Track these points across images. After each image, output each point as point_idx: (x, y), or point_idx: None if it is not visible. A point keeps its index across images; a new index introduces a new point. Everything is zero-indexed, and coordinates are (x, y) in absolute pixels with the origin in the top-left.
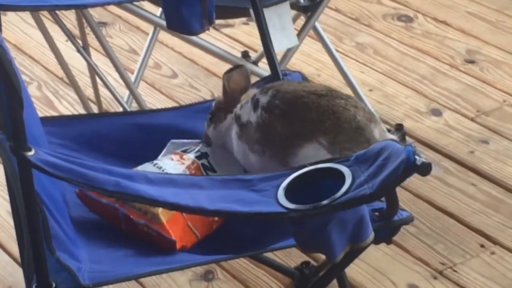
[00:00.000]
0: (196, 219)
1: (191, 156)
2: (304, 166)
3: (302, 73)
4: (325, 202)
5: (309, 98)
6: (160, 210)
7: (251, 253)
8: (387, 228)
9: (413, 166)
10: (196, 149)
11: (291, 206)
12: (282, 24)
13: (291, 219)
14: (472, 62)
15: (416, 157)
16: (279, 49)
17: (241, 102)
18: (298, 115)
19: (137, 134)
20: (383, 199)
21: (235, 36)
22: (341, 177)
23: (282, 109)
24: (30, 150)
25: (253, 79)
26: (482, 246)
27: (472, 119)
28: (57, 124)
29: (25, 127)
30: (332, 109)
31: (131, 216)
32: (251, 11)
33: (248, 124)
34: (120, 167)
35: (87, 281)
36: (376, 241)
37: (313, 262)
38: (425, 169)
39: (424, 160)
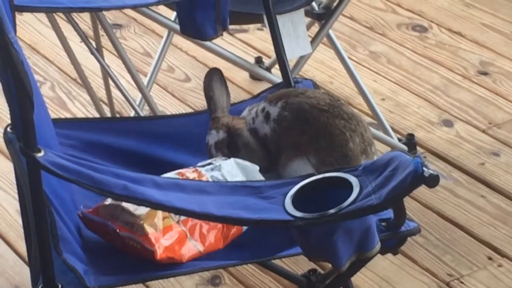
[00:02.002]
0: (200, 234)
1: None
2: (313, 175)
3: (314, 81)
4: (332, 211)
5: (311, 112)
6: (145, 222)
7: (259, 259)
8: (394, 238)
9: (421, 178)
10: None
11: (298, 214)
12: (296, 32)
13: (297, 227)
14: (485, 73)
15: (424, 168)
16: (292, 57)
17: (249, 114)
18: (299, 128)
19: (148, 140)
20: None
21: (249, 41)
22: (348, 186)
23: (289, 121)
24: (39, 151)
25: (266, 85)
26: (489, 258)
27: (483, 131)
28: (69, 126)
29: (36, 128)
30: (329, 130)
31: (117, 230)
32: (265, 17)
33: (264, 136)
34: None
35: (93, 283)
36: (382, 251)
37: (320, 270)
38: (433, 181)
39: (432, 172)
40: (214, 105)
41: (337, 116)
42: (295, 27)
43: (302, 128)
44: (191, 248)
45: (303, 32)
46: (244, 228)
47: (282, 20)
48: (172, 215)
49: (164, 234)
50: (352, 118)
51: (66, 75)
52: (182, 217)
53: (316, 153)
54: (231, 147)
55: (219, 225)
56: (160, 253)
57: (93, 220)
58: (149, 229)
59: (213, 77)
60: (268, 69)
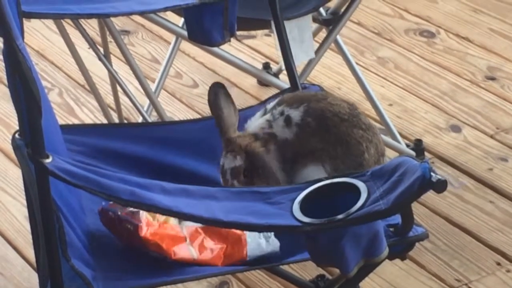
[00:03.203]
0: (200, 244)
1: None
2: (320, 180)
3: (322, 87)
4: (340, 216)
5: (333, 120)
6: (148, 212)
7: (267, 265)
8: (402, 244)
9: (429, 183)
10: None
11: (306, 220)
12: (302, 37)
13: (305, 232)
14: (492, 79)
15: (432, 174)
16: (295, 62)
17: (263, 118)
18: (319, 135)
19: (155, 147)
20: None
21: (257, 47)
22: (356, 192)
23: (312, 127)
24: (47, 157)
25: (273, 91)
26: (498, 264)
27: (491, 136)
28: (77, 132)
29: (44, 134)
30: (346, 139)
31: (119, 213)
32: (272, 23)
33: (285, 141)
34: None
35: None
36: (390, 257)
37: (328, 276)
38: (440, 186)
39: (440, 177)
40: (225, 125)
41: (356, 126)
42: (301, 33)
43: (322, 135)
44: (185, 250)
45: (309, 37)
46: (249, 256)
47: (289, 26)
48: (176, 219)
49: (160, 226)
50: (370, 129)
51: (74, 82)
52: (188, 224)
53: (332, 160)
54: (248, 173)
55: (224, 245)
56: (146, 231)
57: (106, 210)
58: (147, 216)
59: (218, 94)
60: (276, 75)
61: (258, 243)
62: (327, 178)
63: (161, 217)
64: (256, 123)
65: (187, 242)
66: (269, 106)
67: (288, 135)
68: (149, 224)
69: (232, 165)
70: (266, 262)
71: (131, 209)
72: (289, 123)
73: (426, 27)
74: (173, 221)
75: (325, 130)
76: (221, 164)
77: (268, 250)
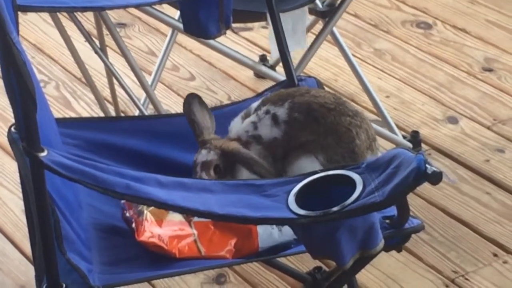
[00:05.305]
0: (209, 240)
1: None
2: (316, 172)
3: (318, 79)
4: (335, 208)
5: (320, 112)
6: (151, 211)
7: (264, 258)
8: (398, 236)
9: (424, 175)
10: None
11: (301, 212)
12: (295, 29)
13: (301, 225)
14: (490, 70)
15: (427, 165)
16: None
17: (247, 120)
18: (308, 128)
19: (152, 140)
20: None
21: (254, 39)
22: (352, 184)
23: (300, 122)
24: (42, 151)
25: (270, 83)
26: (495, 255)
27: (488, 128)
28: (72, 125)
29: (39, 128)
30: (336, 128)
31: (127, 214)
32: (268, 15)
33: (273, 140)
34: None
35: (98, 282)
36: (386, 249)
37: (325, 267)
38: (435, 178)
39: (435, 169)
40: (199, 128)
41: (343, 114)
42: (294, 24)
43: (311, 127)
44: (191, 247)
45: (302, 28)
46: (261, 247)
47: (284, 18)
48: (184, 216)
49: (163, 225)
50: (357, 115)
51: (70, 75)
52: (197, 219)
53: (324, 150)
54: (220, 170)
55: (234, 239)
56: (145, 236)
57: (122, 208)
58: (148, 217)
59: (192, 101)
60: (273, 67)
61: (269, 233)
62: (322, 171)
63: (167, 216)
64: (240, 126)
65: (195, 239)
66: (253, 105)
67: (277, 134)
68: (150, 226)
69: (204, 159)
70: (279, 252)
71: (140, 208)
72: (276, 121)
73: (423, 19)
74: (177, 217)
75: (314, 122)
76: (194, 158)
77: (281, 240)
